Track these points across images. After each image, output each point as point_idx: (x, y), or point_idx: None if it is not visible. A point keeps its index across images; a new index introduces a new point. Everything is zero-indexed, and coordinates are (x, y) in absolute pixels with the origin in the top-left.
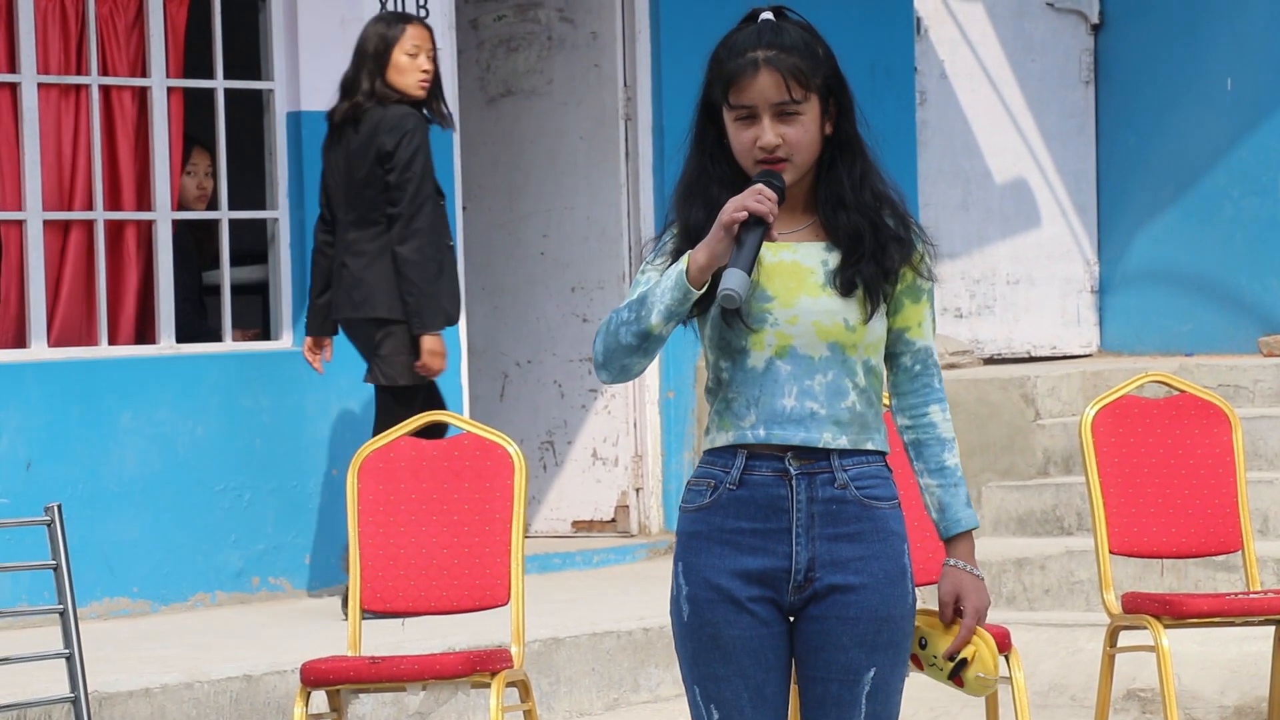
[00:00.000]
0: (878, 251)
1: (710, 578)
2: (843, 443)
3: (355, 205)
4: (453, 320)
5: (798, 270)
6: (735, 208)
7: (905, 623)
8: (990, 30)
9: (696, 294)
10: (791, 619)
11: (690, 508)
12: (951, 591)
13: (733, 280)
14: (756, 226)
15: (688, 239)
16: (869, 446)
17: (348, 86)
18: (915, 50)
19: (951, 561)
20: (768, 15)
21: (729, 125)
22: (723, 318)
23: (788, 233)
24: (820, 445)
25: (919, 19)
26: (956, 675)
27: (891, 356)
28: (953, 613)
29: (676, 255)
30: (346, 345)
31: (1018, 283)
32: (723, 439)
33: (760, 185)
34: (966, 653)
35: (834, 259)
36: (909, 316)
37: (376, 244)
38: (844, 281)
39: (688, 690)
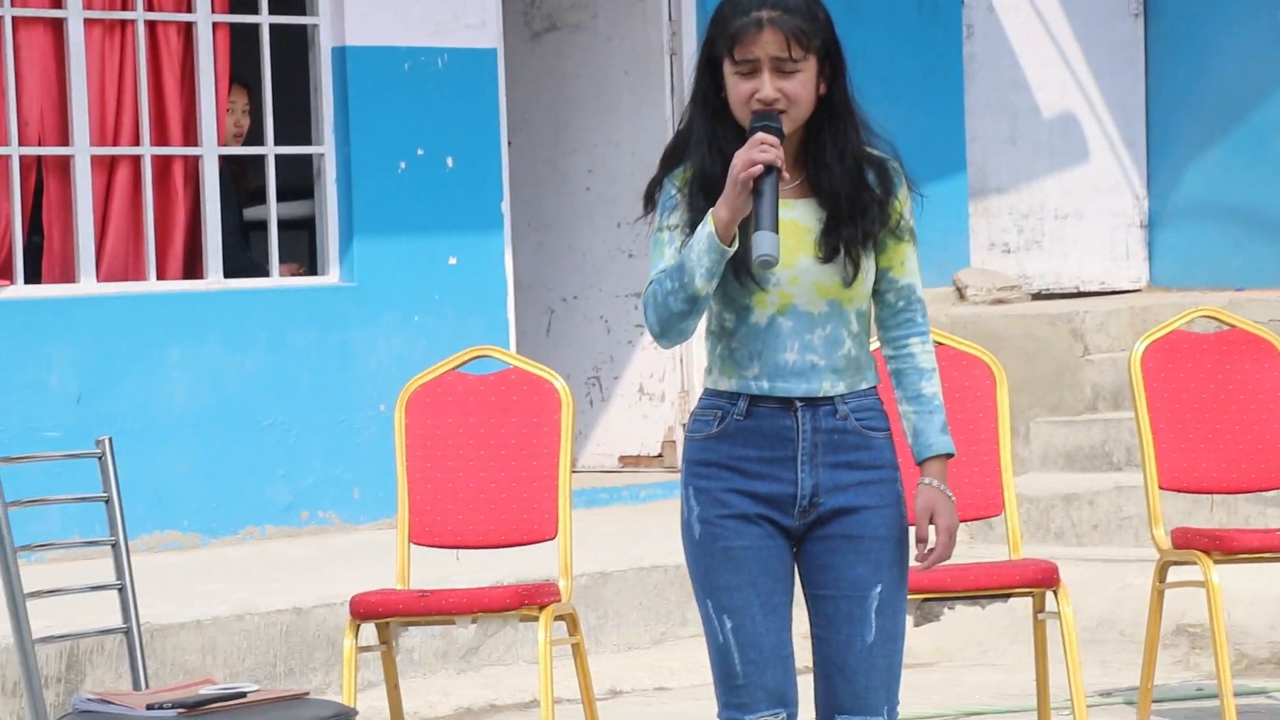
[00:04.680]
0: (857, 214)
1: (720, 497)
2: (841, 388)
3: None
4: None
5: (796, 229)
6: (745, 163)
7: (903, 543)
8: None
9: (731, 250)
10: (795, 548)
11: (698, 436)
12: (926, 508)
13: (765, 244)
14: (768, 174)
15: (702, 183)
16: (863, 386)
17: None
18: None
19: (926, 480)
20: None
21: (729, 79)
22: (735, 277)
23: (783, 187)
24: (822, 394)
25: None
26: None
27: (876, 294)
28: (927, 527)
29: (694, 210)
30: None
31: (1066, 217)
32: (726, 384)
33: (760, 135)
34: None
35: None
36: (892, 256)
37: None
38: (826, 247)
39: (700, 607)
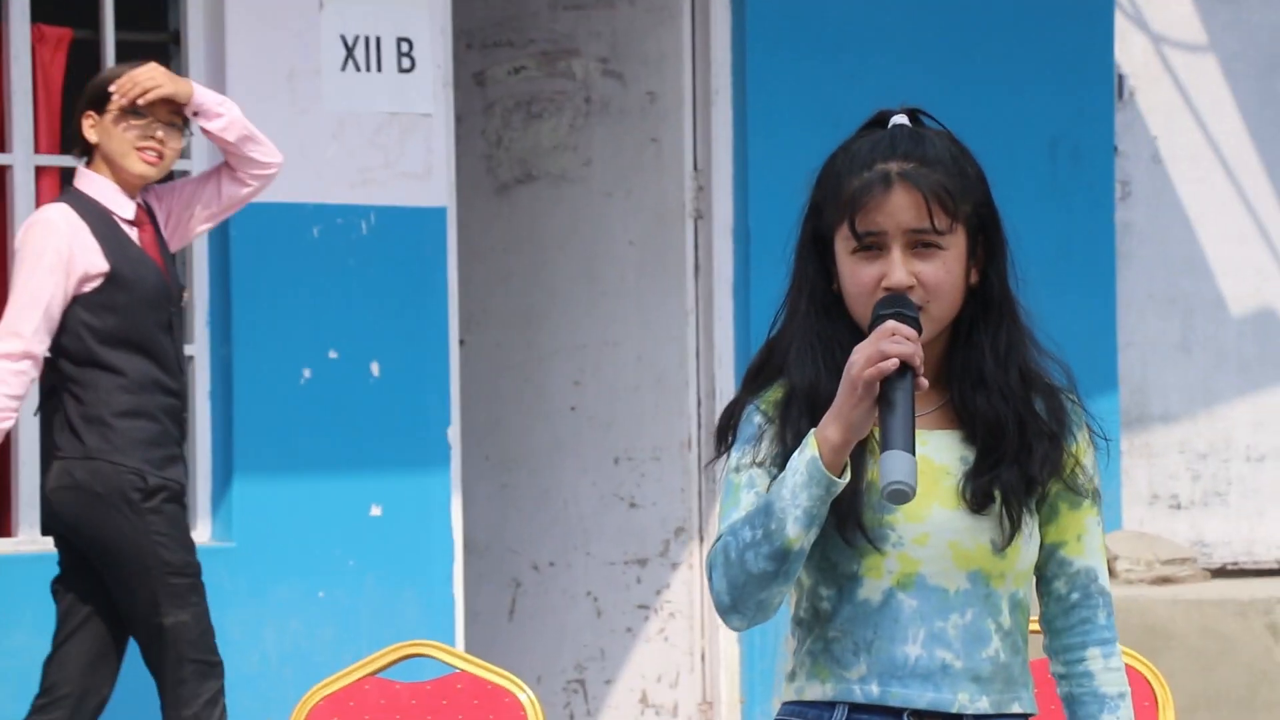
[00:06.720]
0: (1021, 452)
1: None
2: (983, 705)
3: None
4: None
5: (930, 470)
6: (870, 358)
7: None
8: (1226, 92)
9: (841, 484)
10: None
11: None
12: None
13: (898, 469)
14: (901, 378)
15: (809, 406)
16: (1015, 709)
17: None
18: (1115, 121)
19: None
20: (902, 119)
21: (843, 261)
22: (839, 532)
23: (916, 415)
24: (954, 710)
25: (1121, 77)
26: None
27: (1042, 580)
28: None
29: (791, 437)
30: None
31: (1263, 459)
32: (816, 691)
33: (890, 324)
34: None
35: (974, 456)
36: (1065, 526)
37: None
38: (976, 491)
39: None
